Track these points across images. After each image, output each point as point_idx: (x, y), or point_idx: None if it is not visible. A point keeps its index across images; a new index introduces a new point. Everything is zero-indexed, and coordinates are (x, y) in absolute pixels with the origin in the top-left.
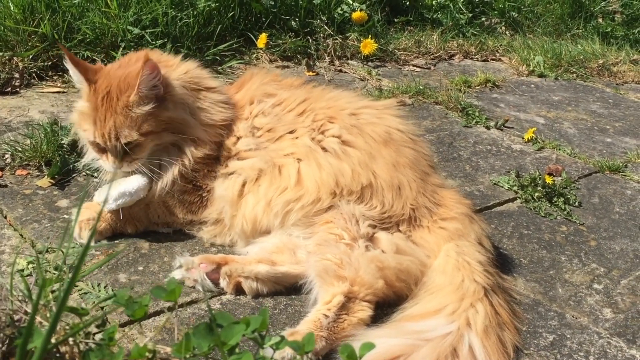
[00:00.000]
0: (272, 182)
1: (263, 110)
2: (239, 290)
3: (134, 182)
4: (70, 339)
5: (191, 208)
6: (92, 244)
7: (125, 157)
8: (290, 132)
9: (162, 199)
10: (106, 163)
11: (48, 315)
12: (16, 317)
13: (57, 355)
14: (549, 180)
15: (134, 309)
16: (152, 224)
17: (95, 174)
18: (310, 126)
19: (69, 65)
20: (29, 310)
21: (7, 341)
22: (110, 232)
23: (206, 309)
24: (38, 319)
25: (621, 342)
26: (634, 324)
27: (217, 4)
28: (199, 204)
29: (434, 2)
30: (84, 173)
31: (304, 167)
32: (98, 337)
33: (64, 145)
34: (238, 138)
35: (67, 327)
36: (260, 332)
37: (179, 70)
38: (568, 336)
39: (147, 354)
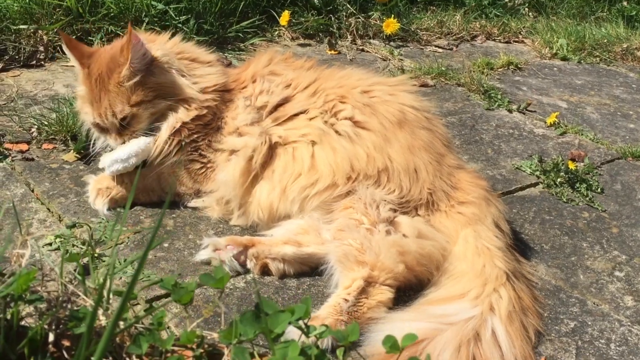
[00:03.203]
0: (286, 168)
1: (268, 88)
2: (265, 271)
3: (126, 150)
4: (121, 323)
5: (197, 178)
6: (105, 212)
7: (124, 131)
8: (304, 112)
9: (171, 169)
10: (111, 141)
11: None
12: (61, 298)
13: None
14: (572, 166)
15: (181, 295)
16: (164, 194)
17: None
18: (323, 107)
19: (66, 50)
20: (80, 293)
21: (58, 324)
22: (124, 200)
23: (230, 287)
24: (87, 299)
25: None
26: None
27: None
28: (204, 175)
29: None
30: (108, 148)
31: (318, 150)
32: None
33: None
34: (238, 114)
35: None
36: (304, 320)
37: (160, 41)
38: (589, 323)
39: (195, 339)
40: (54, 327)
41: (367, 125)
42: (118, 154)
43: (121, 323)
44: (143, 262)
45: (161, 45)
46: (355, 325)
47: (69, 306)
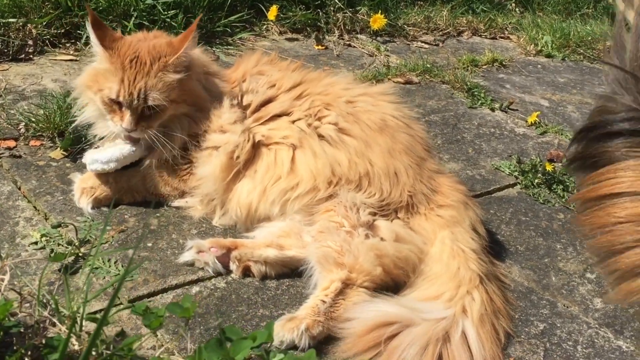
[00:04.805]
0: (268, 169)
1: (254, 88)
2: (247, 273)
3: (108, 154)
4: (93, 351)
5: (183, 175)
6: (90, 210)
7: (141, 121)
8: (286, 114)
9: (158, 170)
10: (118, 124)
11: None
12: (32, 321)
13: None
14: (549, 167)
15: (151, 320)
16: (149, 194)
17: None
18: (307, 111)
19: (89, 28)
20: (55, 320)
21: (35, 349)
22: (109, 200)
23: (211, 287)
24: (61, 327)
25: (609, 332)
26: (622, 314)
27: None
28: (188, 172)
29: None
30: (96, 146)
31: (298, 154)
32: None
33: (77, 118)
34: (223, 113)
35: (86, 332)
36: (266, 346)
37: (194, 50)
38: (558, 325)
39: None
40: (30, 353)
41: (350, 132)
42: (100, 155)
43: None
44: (114, 299)
45: (195, 56)
46: (311, 352)
47: (45, 333)
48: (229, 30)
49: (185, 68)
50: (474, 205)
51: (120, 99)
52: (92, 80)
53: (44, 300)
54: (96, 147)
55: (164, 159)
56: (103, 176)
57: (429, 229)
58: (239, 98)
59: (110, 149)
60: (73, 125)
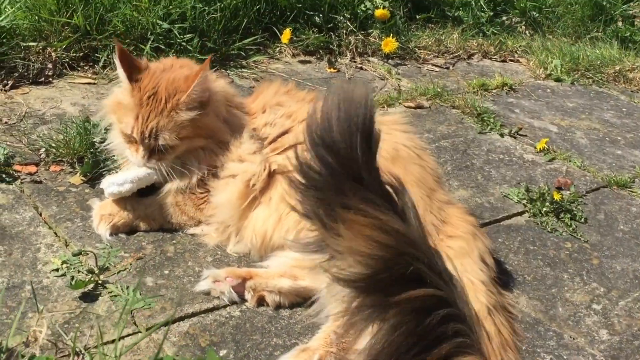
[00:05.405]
0: (283, 197)
1: (272, 120)
2: (261, 302)
3: (124, 175)
4: None
5: (199, 203)
6: (108, 237)
7: (153, 155)
8: (301, 144)
9: (175, 199)
10: (134, 155)
11: None
12: None
13: None
14: (557, 197)
15: None
16: (166, 222)
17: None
18: None
19: (116, 61)
20: None
21: None
22: (127, 228)
23: (226, 315)
24: None
25: None
26: (627, 346)
27: None
28: (205, 200)
29: None
30: (113, 171)
31: None
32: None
33: (96, 144)
34: (242, 143)
35: None
36: None
37: (218, 83)
38: (565, 357)
39: None
40: None
41: None
42: (115, 178)
43: None
44: None
45: (218, 88)
46: None
47: None
48: (243, 53)
49: (200, 104)
50: (483, 236)
51: (134, 135)
52: (117, 108)
53: (77, 350)
54: (114, 173)
55: (180, 189)
56: (121, 203)
57: None
58: (259, 130)
59: (125, 172)
60: (100, 147)
